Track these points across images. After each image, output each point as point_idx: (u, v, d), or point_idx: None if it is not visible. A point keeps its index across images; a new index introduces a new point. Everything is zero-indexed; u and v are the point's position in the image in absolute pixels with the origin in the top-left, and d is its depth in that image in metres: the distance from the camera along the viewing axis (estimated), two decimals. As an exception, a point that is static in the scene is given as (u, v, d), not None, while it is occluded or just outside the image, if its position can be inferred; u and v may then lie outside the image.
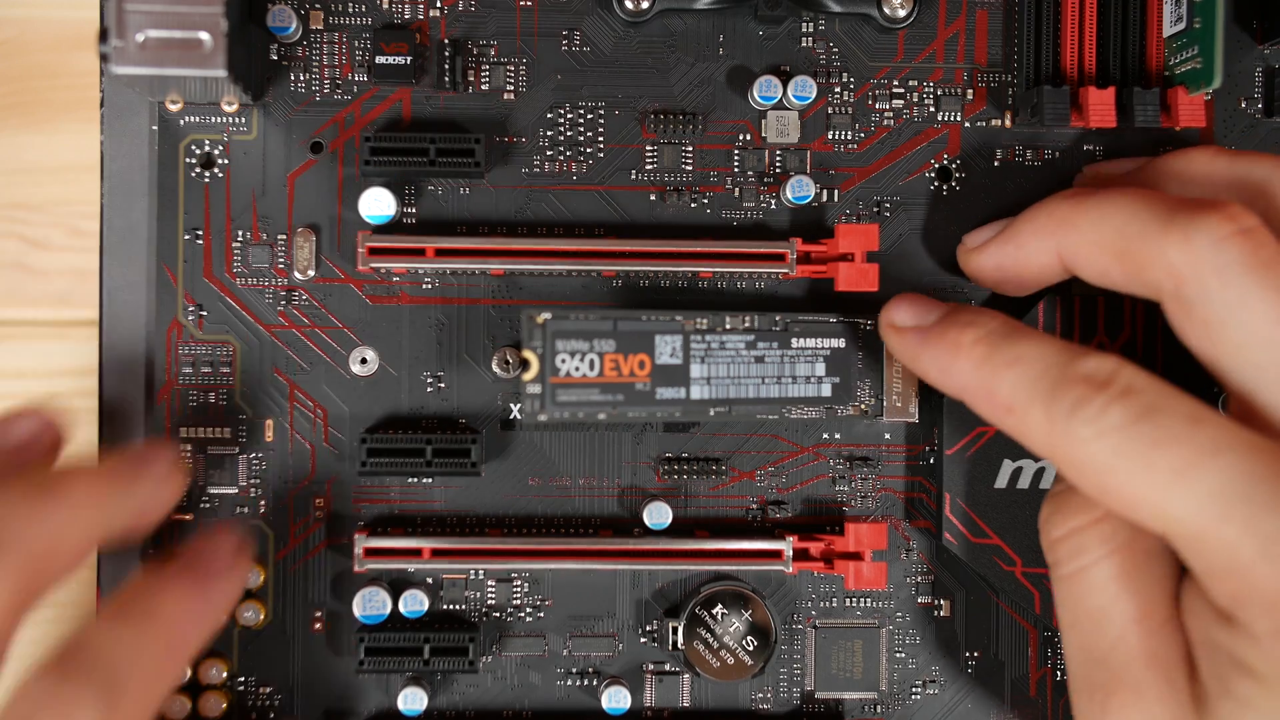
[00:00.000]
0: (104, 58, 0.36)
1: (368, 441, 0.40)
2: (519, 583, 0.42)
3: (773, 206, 0.42)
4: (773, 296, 0.42)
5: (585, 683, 0.42)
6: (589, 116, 0.42)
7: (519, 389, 0.39)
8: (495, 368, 0.42)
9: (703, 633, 0.41)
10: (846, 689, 0.42)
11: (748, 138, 0.42)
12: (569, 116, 0.42)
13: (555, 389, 0.37)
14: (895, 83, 0.42)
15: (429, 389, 0.42)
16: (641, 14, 0.41)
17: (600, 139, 0.42)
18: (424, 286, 0.42)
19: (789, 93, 0.41)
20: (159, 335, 0.41)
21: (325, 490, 0.41)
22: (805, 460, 0.42)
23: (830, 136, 0.42)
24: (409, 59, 0.41)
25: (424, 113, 0.42)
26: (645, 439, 0.42)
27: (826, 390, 0.40)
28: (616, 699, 0.41)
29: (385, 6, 0.41)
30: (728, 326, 0.39)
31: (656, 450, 0.42)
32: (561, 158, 0.42)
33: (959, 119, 0.42)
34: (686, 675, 0.42)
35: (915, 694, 0.42)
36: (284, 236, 0.41)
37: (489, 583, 0.42)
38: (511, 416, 0.42)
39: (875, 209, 0.42)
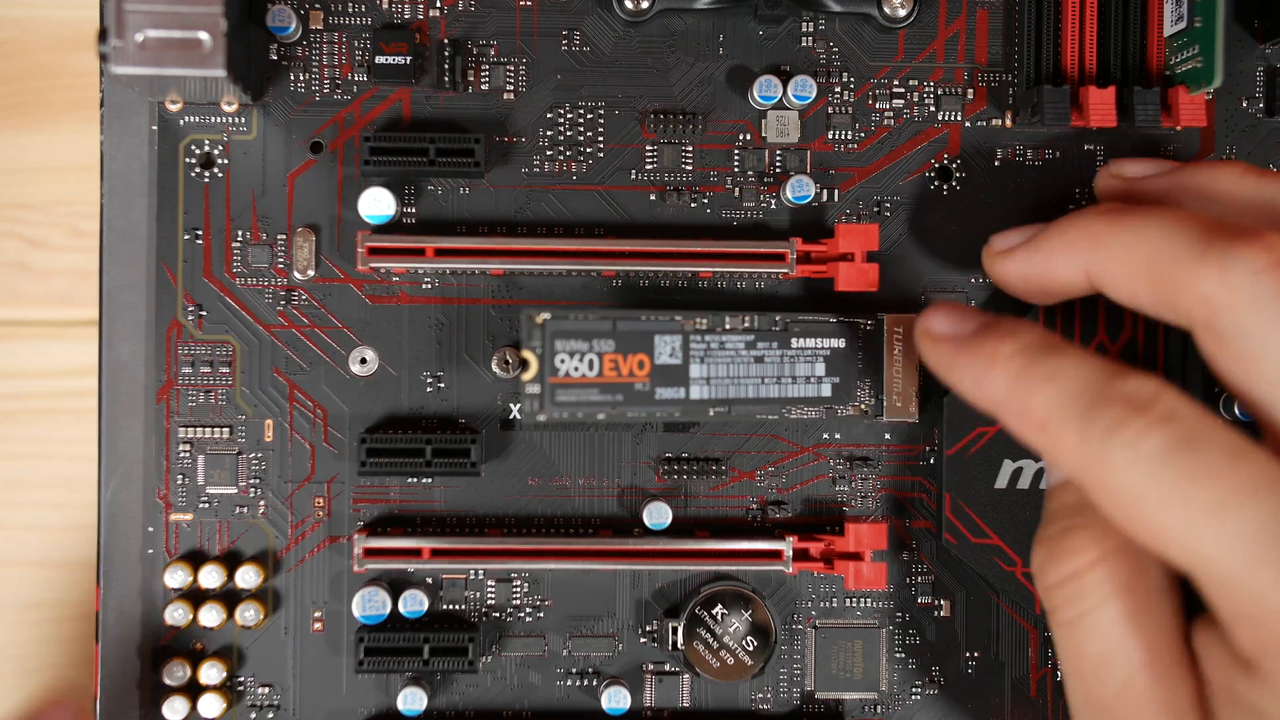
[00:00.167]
0: (104, 58, 0.36)
1: (367, 441, 0.40)
2: (519, 583, 0.42)
3: (773, 206, 0.42)
4: (773, 296, 0.42)
5: (585, 683, 0.42)
6: (589, 116, 0.42)
7: (518, 389, 0.39)
8: (495, 368, 0.41)
9: (703, 633, 0.41)
10: (846, 689, 0.42)
11: (748, 138, 0.42)
12: (569, 116, 0.42)
13: (554, 389, 0.37)
14: (895, 82, 0.42)
15: (429, 389, 0.42)
16: (641, 14, 0.41)
17: (600, 139, 0.42)
18: (424, 286, 0.42)
19: (789, 92, 0.41)
20: (159, 335, 0.41)
21: (325, 490, 0.41)
22: (805, 460, 0.42)
23: (830, 136, 0.42)
24: (409, 59, 0.41)
25: (424, 113, 0.42)
26: (645, 439, 0.42)
27: (826, 390, 0.40)
28: (616, 699, 0.41)
29: (385, 6, 0.41)
30: (727, 326, 0.39)
31: (656, 450, 0.42)
32: (561, 158, 0.42)
33: (959, 119, 0.42)
34: (686, 675, 0.42)
35: (915, 694, 0.42)
36: (284, 236, 0.41)
37: (489, 583, 0.42)
38: (511, 416, 0.42)
39: (875, 209, 0.42)
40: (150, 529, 0.41)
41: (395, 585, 0.41)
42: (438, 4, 0.41)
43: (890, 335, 0.41)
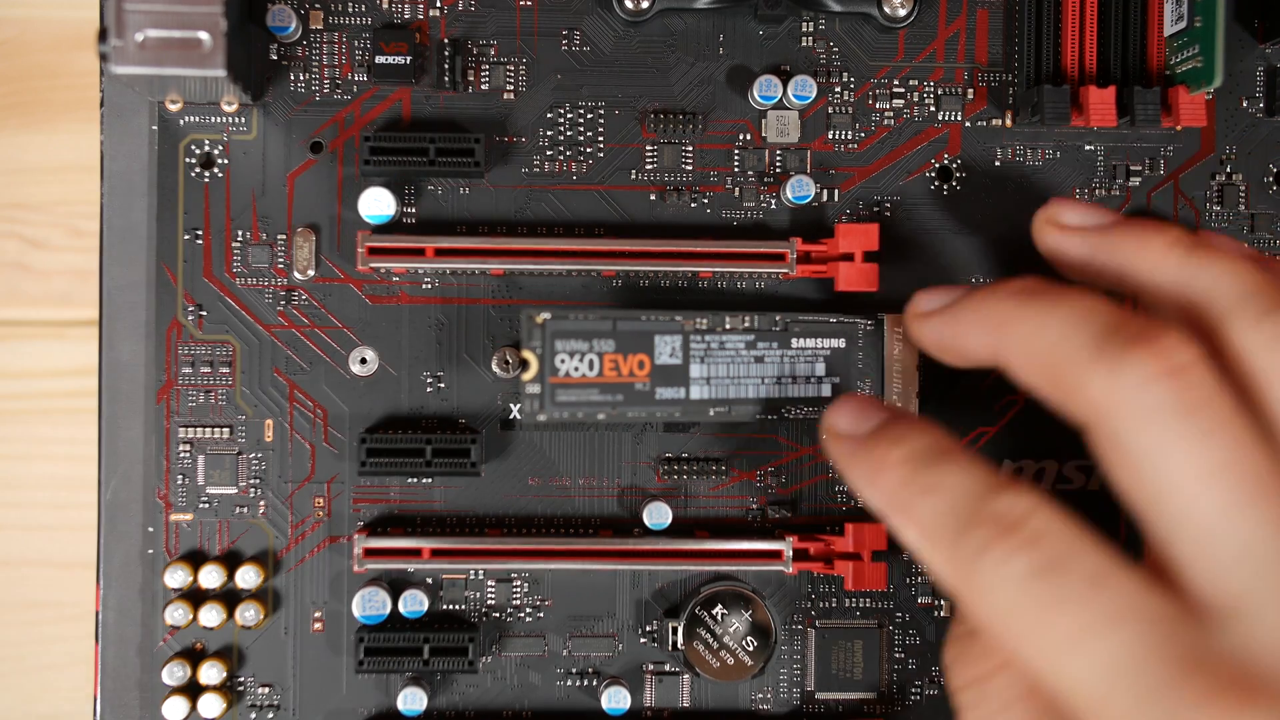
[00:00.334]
0: (104, 57, 0.36)
1: (367, 441, 0.40)
2: (519, 583, 0.42)
3: (773, 206, 0.42)
4: (773, 296, 0.42)
5: (585, 683, 0.42)
6: (589, 116, 0.42)
7: (519, 389, 0.39)
8: (495, 368, 0.41)
9: (703, 633, 0.41)
10: (846, 689, 0.42)
11: (748, 137, 0.42)
12: (569, 116, 0.42)
13: (555, 389, 0.37)
14: (895, 82, 0.42)
15: (429, 389, 0.42)
16: (641, 14, 0.41)
17: (600, 139, 0.42)
18: (424, 286, 0.42)
19: (789, 92, 0.41)
20: (159, 335, 0.41)
21: (325, 490, 0.41)
22: (805, 460, 0.42)
23: (830, 136, 0.42)
24: (409, 59, 0.41)
25: (424, 112, 0.42)
26: (645, 439, 0.42)
27: (826, 390, 0.40)
28: (616, 699, 0.41)
29: (385, 6, 0.41)
30: (727, 326, 0.39)
31: (656, 450, 0.42)
32: (561, 157, 0.42)
33: (959, 118, 0.42)
34: (686, 675, 0.42)
35: (915, 694, 0.42)
36: (284, 236, 0.41)
37: (489, 583, 0.42)
38: (511, 416, 0.42)
39: (875, 209, 0.42)
40: (150, 529, 0.41)
41: (395, 585, 0.41)
42: (438, 4, 0.41)
43: (890, 335, 0.41)
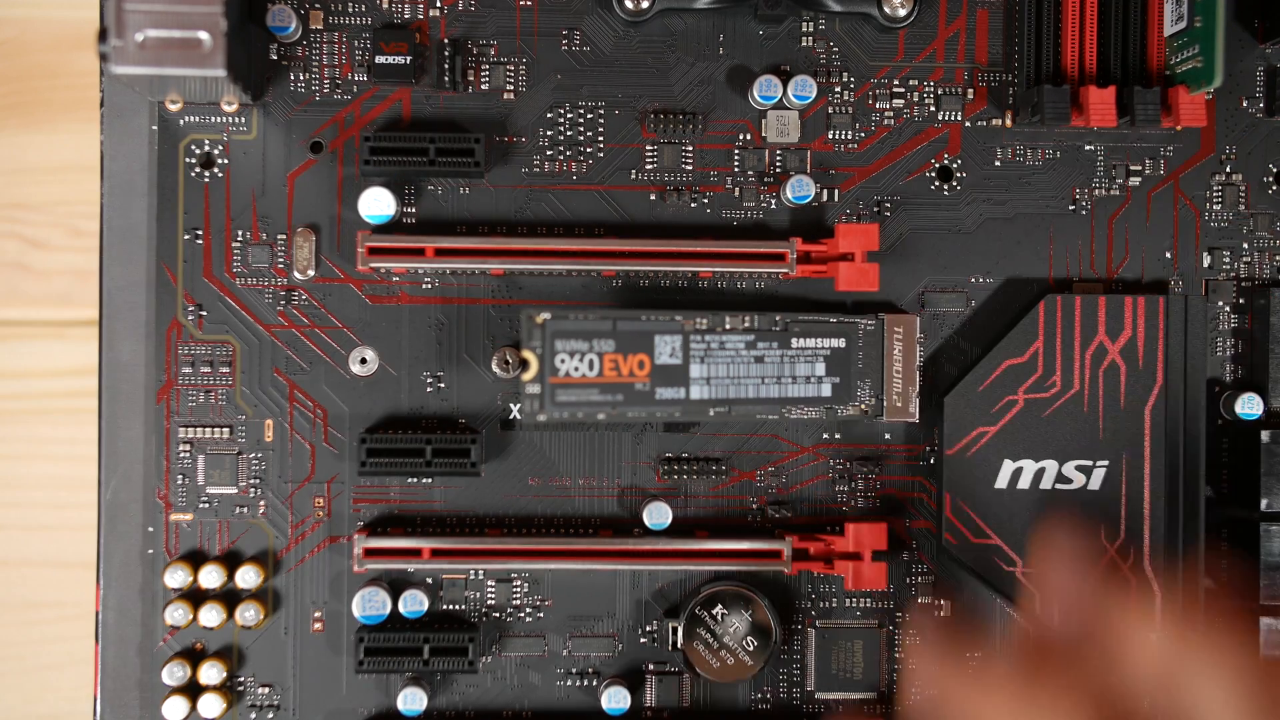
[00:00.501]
0: (104, 57, 0.36)
1: (367, 441, 0.40)
2: (519, 583, 0.42)
3: (773, 206, 0.42)
4: (773, 296, 0.42)
5: (585, 683, 0.42)
6: (589, 116, 0.42)
7: (519, 389, 0.39)
8: (495, 368, 0.41)
9: (703, 633, 0.41)
10: (846, 689, 0.42)
11: (748, 137, 0.42)
12: (569, 116, 0.42)
13: (555, 389, 0.37)
14: (895, 82, 0.42)
15: (429, 389, 0.42)
16: (641, 14, 0.41)
17: (600, 139, 0.42)
18: (424, 286, 0.42)
19: (789, 92, 0.41)
20: (159, 335, 0.41)
21: (325, 490, 0.41)
22: (805, 460, 0.42)
23: (830, 136, 0.42)
24: (409, 59, 0.41)
25: (424, 112, 0.42)
26: (645, 439, 0.42)
27: (826, 390, 0.40)
28: (616, 699, 0.41)
29: (385, 6, 0.41)
30: (727, 326, 0.39)
31: (656, 450, 0.42)
32: (561, 157, 0.42)
33: (959, 118, 0.42)
34: (686, 675, 0.42)
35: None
36: (284, 236, 0.41)
37: (489, 583, 0.42)
38: (511, 416, 0.42)
39: (875, 209, 0.42)
40: (150, 529, 0.41)
41: (395, 585, 0.41)
42: (438, 4, 0.41)
43: (890, 335, 0.41)
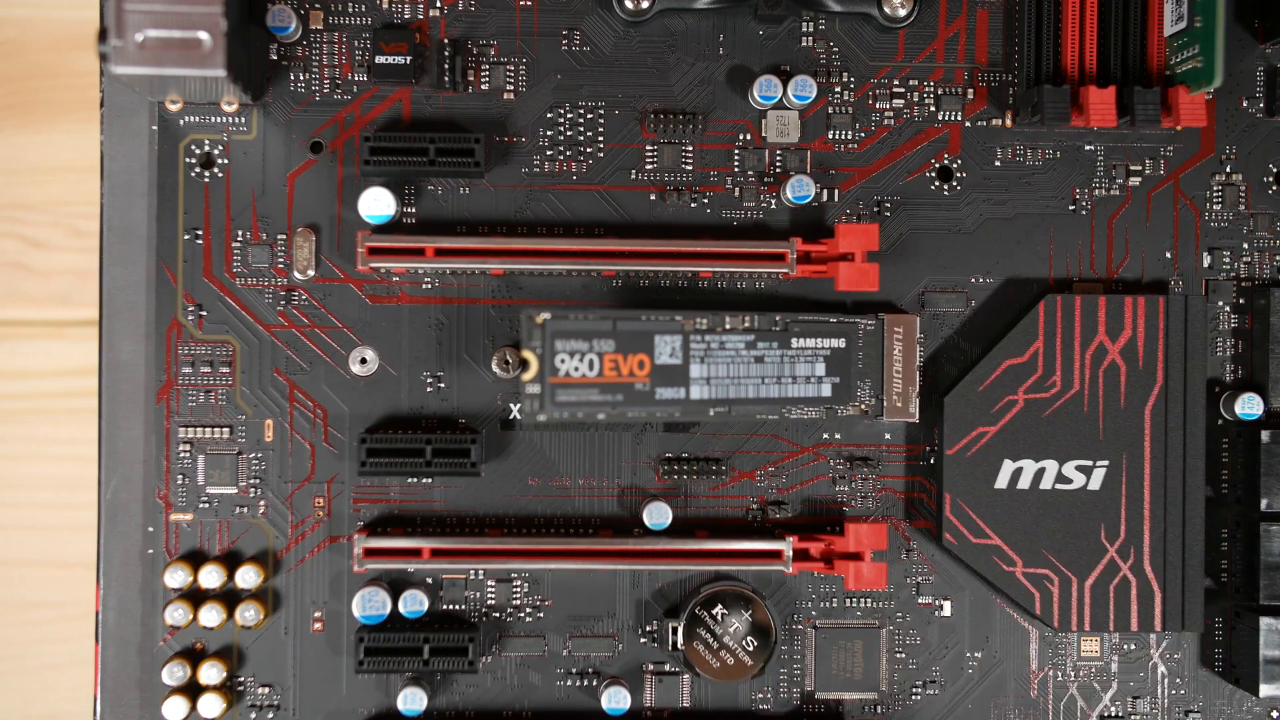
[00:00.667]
0: (103, 58, 0.36)
1: (367, 441, 0.40)
2: (519, 583, 0.42)
3: (773, 206, 0.42)
4: (773, 296, 0.42)
5: (585, 683, 0.42)
6: (589, 116, 0.42)
7: (518, 389, 0.39)
8: (495, 368, 0.41)
9: (703, 633, 0.41)
10: (846, 689, 0.42)
11: (748, 137, 0.42)
12: (569, 116, 0.42)
13: (555, 389, 0.37)
14: (895, 82, 0.42)
15: (429, 389, 0.42)
16: (641, 14, 0.41)
17: (600, 139, 0.42)
18: (424, 286, 0.42)
19: (789, 92, 0.41)
20: (159, 335, 0.41)
21: (325, 490, 0.41)
22: (805, 460, 0.42)
23: (830, 136, 0.42)
24: (409, 59, 0.41)
25: (424, 112, 0.42)
26: (645, 439, 0.42)
27: (826, 390, 0.40)
28: (616, 699, 0.41)
29: (385, 6, 0.41)
30: (727, 326, 0.39)
31: (656, 450, 0.42)
32: (561, 157, 0.42)
33: (959, 118, 0.42)
34: (686, 675, 0.42)
35: (915, 694, 0.42)
36: (284, 236, 0.41)
37: (489, 583, 0.42)
38: (511, 416, 0.42)
39: (875, 209, 0.42)
40: (150, 529, 0.41)
41: (395, 585, 0.41)
42: (438, 4, 0.41)
43: (890, 335, 0.41)
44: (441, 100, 0.42)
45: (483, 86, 0.42)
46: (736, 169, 0.42)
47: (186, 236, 0.41)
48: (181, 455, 0.41)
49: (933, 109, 0.42)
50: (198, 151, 0.41)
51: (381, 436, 0.40)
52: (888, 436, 0.42)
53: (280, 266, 0.41)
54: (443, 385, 0.42)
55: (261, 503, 0.41)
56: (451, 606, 0.42)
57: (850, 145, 0.42)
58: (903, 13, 0.41)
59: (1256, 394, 0.42)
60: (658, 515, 0.41)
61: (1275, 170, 0.42)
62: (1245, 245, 0.42)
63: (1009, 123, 0.42)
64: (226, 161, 0.41)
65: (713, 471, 0.42)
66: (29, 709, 0.49)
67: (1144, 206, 0.42)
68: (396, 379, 0.42)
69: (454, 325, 0.42)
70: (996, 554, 0.41)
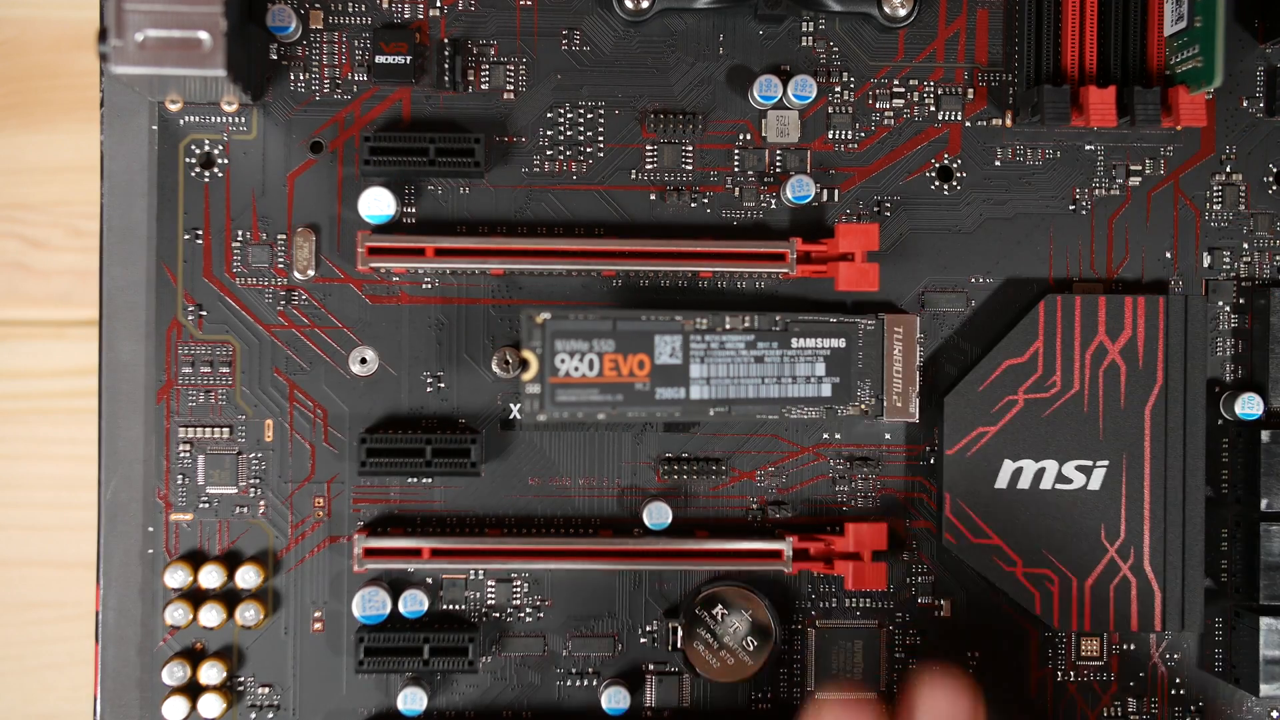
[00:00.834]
0: (103, 57, 0.36)
1: (367, 441, 0.40)
2: (519, 583, 0.42)
3: (773, 206, 0.42)
4: (773, 296, 0.42)
5: (585, 683, 0.42)
6: (589, 116, 0.42)
7: (518, 389, 0.39)
8: (495, 368, 0.41)
9: (703, 633, 0.41)
10: (846, 689, 0.42)
11: (748, 137, 0.42)
12: (569, 116, 0.42)
13: (555, 389, 0.37)
14: (895, 82, 0.42)
15: (429, 389, 0.42)
16: (641, 14, 0.41)
17: (600, 139, 0.42)
18: (424, 286, 0.42)
19: (789, 92, 0.41)
20: (159, 335, 0.41)
21: (325, 490, 0.41)
22: (805, 460, 0.42)
23: (830, 136, 0.42)
24: (409, 59, 0.41)
25: (424, 112, 0.42)
26: (645, 439, 0.42)
27: (826, 390, 0.40)
28: (616, 699, 0.41)
29: (385, 6, 0.41)
30: (727, 326, 0.39)
31: (656, 450, 0.42)
32: (561, 157, 0.42)
33: (959, 118, 0.42)
34: (686, 675, 0.42)
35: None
36: (284, 236, 0.41)
37: (489, 583, 0.42)
38: (511, 416, 0.42)
39: (875, 209, 0.42)
40: (150, 529, 0.41)
41: (395, 585, 0.41)
42: (438, 4, 0.41)
43: (890, 335, 0.41)
44: (441, 100, 0.42)
45: (483, 86, 0.42)
46: (736, 169, 0.42)
47: (186, 236, 0.41)
48: (181, 455, 0.41)
49: (933, 109, 0.42)
50: (198, 151, 0.41)
51: (381, 436, 0.40)
52: (888, 436, 0.42)
53: (280, 266, 0.41)
54: (443, 385, 0.42)
55: (261, 503, 0.41)
56: (451, 606, 0.42)
57: (850, 145, 0.42)
58: (903, 13, 0.41)
59: (1256, 394, 0.42)
60: (658, 515, 0.41)
61: (1275, 170, 0.42)
62: (1245, 245, 0.42)
63: (1009, 123, 0.42)
64: (226, 161, 0.41)
65: (713, 471, 0.42)
66: (29, 709, 0.49)
67: (1144, 206, 0.42)
68: (396, 379, 0.42)
69: (454, 325, 0.42)
70: (996, 554, 0.41)
